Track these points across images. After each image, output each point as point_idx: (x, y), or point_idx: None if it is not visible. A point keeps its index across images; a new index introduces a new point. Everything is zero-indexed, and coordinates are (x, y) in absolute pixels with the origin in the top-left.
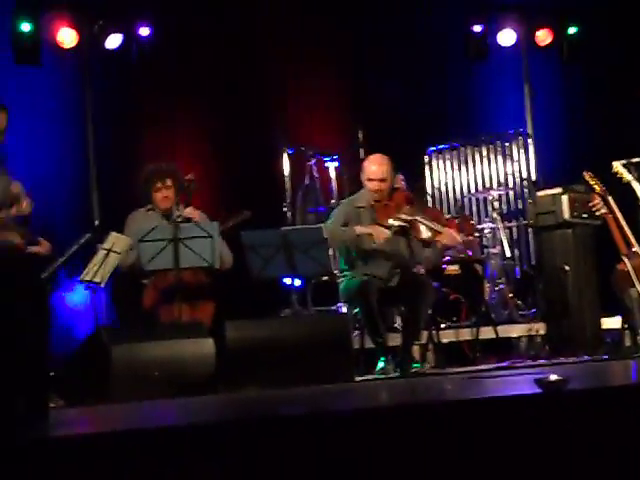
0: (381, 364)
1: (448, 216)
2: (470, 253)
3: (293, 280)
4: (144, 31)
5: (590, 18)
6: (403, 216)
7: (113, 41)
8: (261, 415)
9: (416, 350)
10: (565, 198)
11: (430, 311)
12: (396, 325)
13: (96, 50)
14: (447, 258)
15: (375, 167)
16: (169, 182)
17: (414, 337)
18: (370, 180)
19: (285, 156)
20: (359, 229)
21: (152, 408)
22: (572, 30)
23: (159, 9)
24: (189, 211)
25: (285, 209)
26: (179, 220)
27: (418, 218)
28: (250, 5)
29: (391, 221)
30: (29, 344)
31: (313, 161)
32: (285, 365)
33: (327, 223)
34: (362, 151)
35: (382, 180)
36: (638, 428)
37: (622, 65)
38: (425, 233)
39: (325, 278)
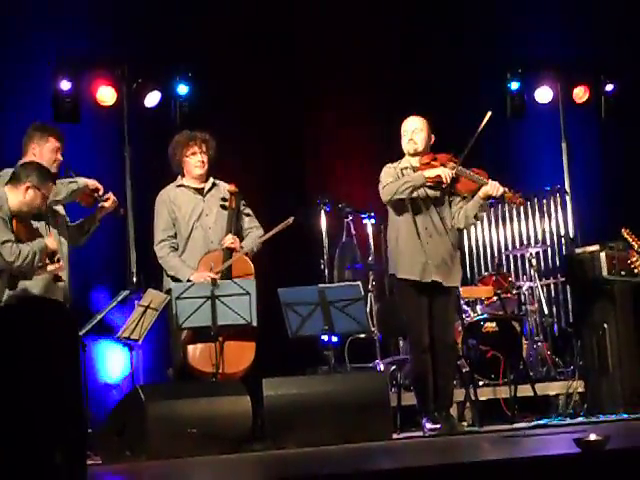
0: (428, 424)
1: (486, 274)
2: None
3: (330, 337)
4: (182, 89)
5: (627, 75)
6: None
7: (152, 99)
8: (299, 474)
9: (454, 408)
10: (603, 255)
11: (468, 368)
12: None
13: (135, 108)
14: (484, 316)
15: (409, 121)
16: (204, 147)
17: (447, 395)
18: (405, 133)
19: (323, 212)
20: (427, 172)
21: (188, 466)
22: (609, 87)
23: (197, 66)
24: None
25: (322, 266)
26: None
27: (462, 169)
28: (287, 62)
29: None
30: (67, 401)
31: (350, 218)
32: (322, 423)
33: (381, 186)
34: None
35: (415, 131)
36: None
37: None
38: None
39: (362, 335)
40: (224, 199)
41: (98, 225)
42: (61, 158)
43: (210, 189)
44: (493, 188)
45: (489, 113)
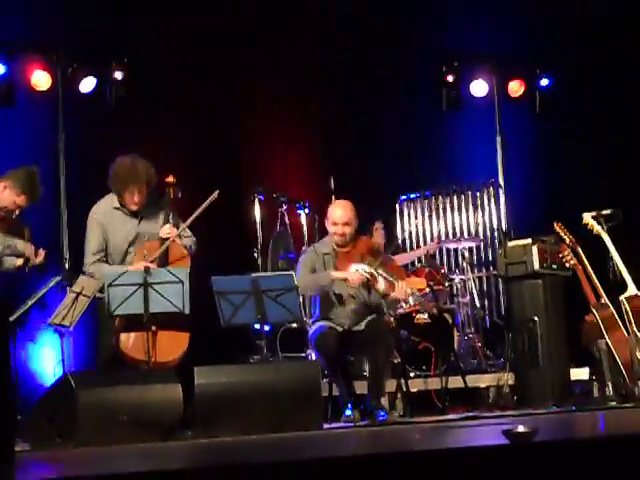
0: (347, 412)
1: (419, 265)
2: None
3: (262, 326)
4: (118, 74)
5: (562, 69)
6: (366, 267)
7: (87, 84)
8: (228, 463)
9: (385, 399)
10: (535, 249)
11: (399, 359)
12: (365, 373)
13: (70, 93)
14: (417, 307)
15: (340, 211)
16: (143, 187)
17: (377, 385)
18: (335, 224)
19: (257, 202)
20: (334, 274)
21: (118, 453)
22: (544, 81)
23: (133, 52)
24: (167, 230)
25: (256, 255)
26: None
27: (377, 271)
28: (224, 55)
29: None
30: None
31: (285, 208)
32: (253, 412)
33: (297, 275)
34: (333, 199)
35: (346, 224)
36: None
37: (593, 117)
38: (382, 285)
39: (294, 325)
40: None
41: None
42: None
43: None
44: (399, 292)
45: (215, 193)
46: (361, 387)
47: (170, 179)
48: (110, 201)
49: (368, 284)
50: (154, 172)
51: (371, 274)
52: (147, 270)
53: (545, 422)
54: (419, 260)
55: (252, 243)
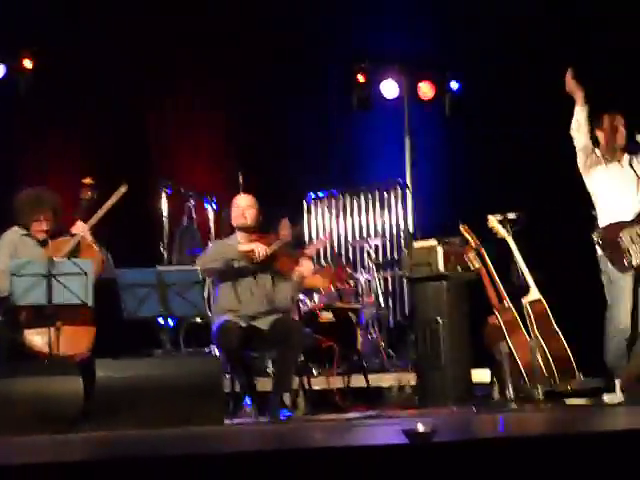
0: (247, 407)
1: (324, 263)
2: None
3: (166, 320)
4: (27, 63)
5: (472, 73)
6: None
7: None
8: (128, 456)
9: (287, 396)
10: (440, 250)
11: (302, 357)
12: (268, 370)
13: None
14: (321, 305)
15: (242, 198)
16: (49, 214)
17: (284, 382)
18: (238, 207)
19: (164, 196)
20: (241, 247)
21: (18, 444)
22: (454, 85)
23: (43, 41)
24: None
25: (162, 249)
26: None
27: (282, 249)
28: (133, 46)
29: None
30: None
31: (192, 202)
32: (154, 405)
33: (200, 257)
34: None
35: (249, 207)
36: None
37: (501, 121)
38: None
39: (198, 320)
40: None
41: None
42: None
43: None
44: (306, 269)
45: (123, 188)
46: (264, 384)
47: (87, 180)
48: (17, 229)
49: (273, 264)
50: (60, 201)
51: (274, 253)
52: (51, 261)
53: (445, 422)
54: (325, 258)
55: (158, 237)
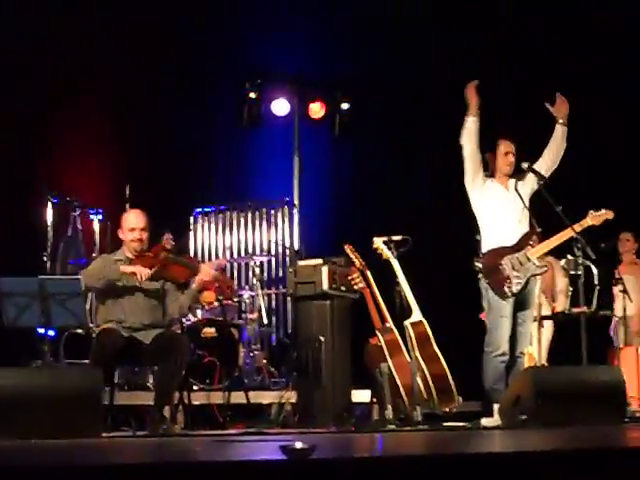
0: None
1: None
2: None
3: (47, 330)
4: None
5: (362, 94)
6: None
7: None
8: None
9: (167, 410)
10: (325, 269)
11: (184, 372)
12: (149, 384)
13: None
14: (204, 320)
15: (135, 217)
16: None
17: (165, 397)
18: (132, 230)
19: (49, 205)
20: (123, 267)
21: None
22: (344, 105)
23: None
24: None
25: (45, 258)
26: None
27: (172, 258)
28: (20, 59)
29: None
30: None
31: (77, 212)
32: (31, 416)
33: (83, 272)
34: (128, 207)
35: (143, 230)
36: None
37: (390, 142)
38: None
39: (80, 331)
40: None
41: None
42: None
43: None
44: (205, 274)
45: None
46: (144, 398)
47: None
48: None
49: (164, 277)
50: None
51: (168, 264)
52: None
53: (324, 440)
54: None
55: (42, 247)
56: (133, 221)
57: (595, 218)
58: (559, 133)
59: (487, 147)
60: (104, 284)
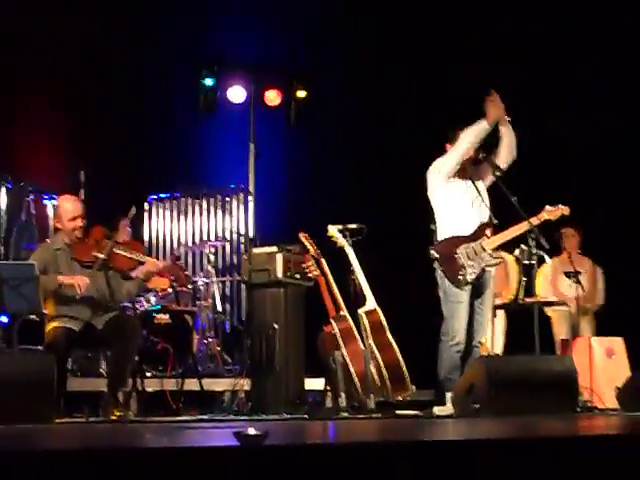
0: None
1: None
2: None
3: (0, 316)
4: None
5: (318, 83)
6: (104, 252)
7: None
8: None
9: (120, 397)
10: (279, 257)
11: (136, 359)
12: (102, 370)
13: None
14: (158, 307)
15: (73, 204)
16: None
17: (119, 381)
18: (74, 219)
19: (3, 190)
20: (61, 279)
21: None
22: (301, 93)
23: None
24: None
25: None
26: None
27: (118, 250)
28: None
29: (95, 253)
30: None
31: (31, 197)
32: None
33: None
34: (83, 192)
35: (82, 217)
36: None
37: (347, 131)
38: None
39: (34, 317)
40: None
41: None
42: None
43: None
44: (152, 266)
45: (133, 208)
46: (98, 384)
47: None
48: None
49: (109, 267)
50: None
51: (113, 254)
52: None
53: (277, 427)
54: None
55: None
56: (74, 210)
57: (551, 213)
58: (504, 131)
59: (446, 138)
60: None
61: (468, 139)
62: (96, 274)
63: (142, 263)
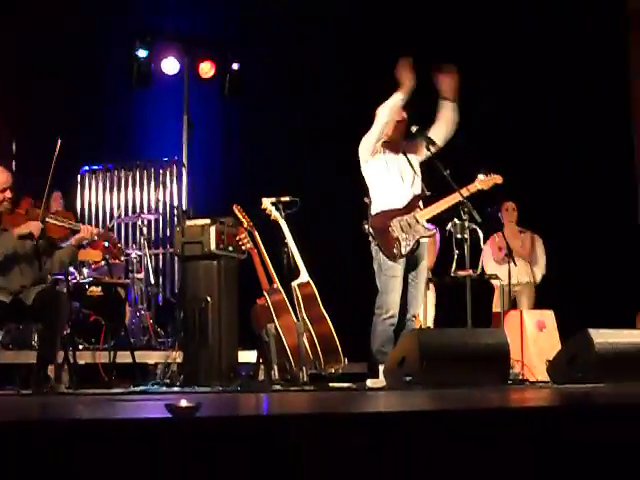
0: None
1: (95, 237)
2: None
3: None
4: None
5: (252, 55)
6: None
7: None
8: None
9: (51, 369)
10: (213, 229)
11: (68, 331)
12: (34, 343)
13: None
14: (90, 279)
15: (0, 176)
16: None
17: (48, 355)
18: (2, 190)
19: None
20: (18, 231)
21: None
22: (235, 65)
23: None
24: None
25: None
26: None
27: (50, 219)
28: None
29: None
30: None
31: None
32: None
33: None
34: (14, 163)
35: (11, 189)
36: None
37: (281, 104)
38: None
39: None
40: None
41: None
42: None
43: None
44: (86, 232)
45: (59, 142)
46: (29, 357)
47: None
48: None
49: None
50: None
51: (46, 223)
52: None
53: (210, 400)
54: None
55: None
56: (2, 181)
57: (484, 182)
58: (449, 110)
59: None
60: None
61: (383, 115)
62: (26, 248)
63: (76, 231)
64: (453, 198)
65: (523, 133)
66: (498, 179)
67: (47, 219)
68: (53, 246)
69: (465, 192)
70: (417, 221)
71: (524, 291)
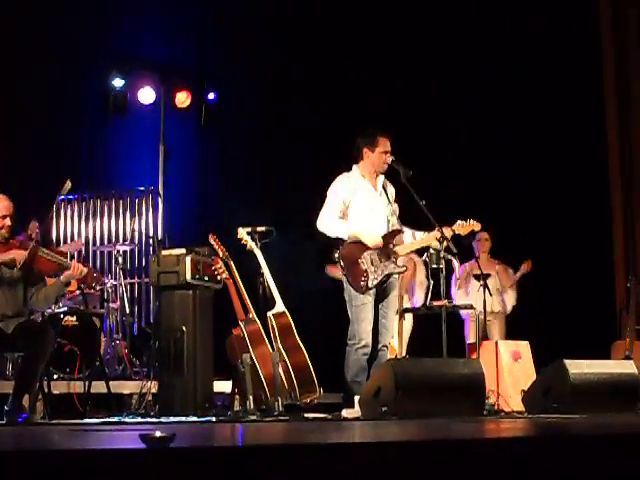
0: None
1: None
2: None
3: None
4: None
5: (228, 86)
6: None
7: None
8: None
9: (26, 399)
10: (188, 259)
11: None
12: (8, 373)
13: None
14: (65, 309)
15: (1, 203)
16: None
17: (27, 385)
18: (2, 217)
19: None
20: (0, 256)
21: None
22: (211, 95)
23: None
24: None
25: None
26: None
27: (42, 252)
28: None
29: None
30: None
31: None
32: None
33: None
34: None
35: (10, 216)
36: None
37: (257, 134)
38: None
39: None
40: None
41: None
42: None
43: None
44: (76, 270)
45: (68, 182)
46: (3, 386)
47: None
48: None
49: (31, 267)
50: None
51: (38, 256)
52: None
53: (184, 430)
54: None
55: None
56: (3, 208)
57: (462, 228)
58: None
59: (363, 141)
60: None
61: (331, 232)
62: (14, 277)
63: (65, 268)
64: (430, 238)
65: (498, 164)
66: (476, 226)
67: (39, 253)
68: (39, 278)
69: (441, 233)
70: (389, 257)
71: (495, 321)
